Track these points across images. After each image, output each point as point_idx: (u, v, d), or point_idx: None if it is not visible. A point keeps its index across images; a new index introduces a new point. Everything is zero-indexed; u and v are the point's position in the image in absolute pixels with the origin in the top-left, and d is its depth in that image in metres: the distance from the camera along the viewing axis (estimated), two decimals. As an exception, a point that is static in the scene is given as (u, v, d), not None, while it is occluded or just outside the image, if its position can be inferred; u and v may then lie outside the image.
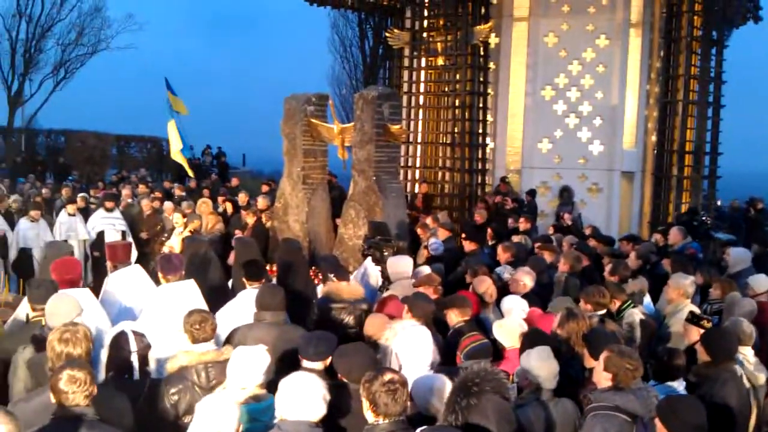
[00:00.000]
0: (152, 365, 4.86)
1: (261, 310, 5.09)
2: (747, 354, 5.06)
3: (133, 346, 4.56)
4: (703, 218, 13.49)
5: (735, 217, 15.03)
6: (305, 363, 4.23)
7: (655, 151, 15.55)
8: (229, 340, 4.99)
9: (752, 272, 7.77)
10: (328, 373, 4.22)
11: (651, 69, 15.73)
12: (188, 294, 5.63)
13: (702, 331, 5.29)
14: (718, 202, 17.68)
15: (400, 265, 6.95)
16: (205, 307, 5.61)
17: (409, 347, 4.36)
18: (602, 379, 4.03)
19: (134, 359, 4.58)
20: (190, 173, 16.47)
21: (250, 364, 3.87)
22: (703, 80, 15.81)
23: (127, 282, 6.22)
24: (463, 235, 9.49)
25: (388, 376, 3.36)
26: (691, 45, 15.31)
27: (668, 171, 15.34)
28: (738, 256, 8.21)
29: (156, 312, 5.44)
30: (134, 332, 4.54)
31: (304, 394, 3.53)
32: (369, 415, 3.38)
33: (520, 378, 4.38)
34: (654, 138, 15.65)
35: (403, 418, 3.36)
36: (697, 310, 6.10)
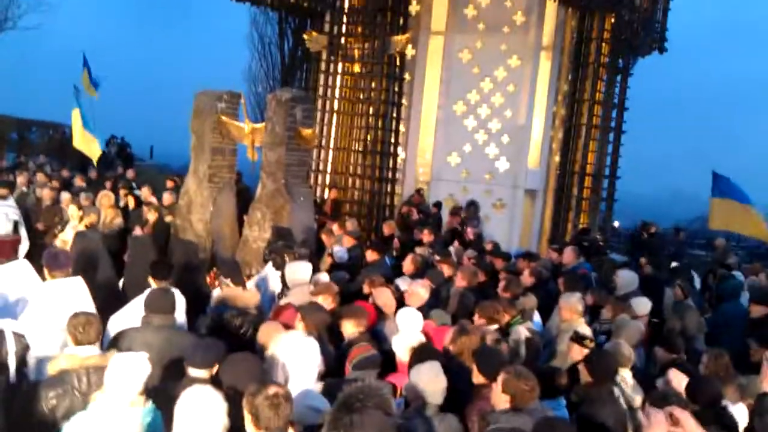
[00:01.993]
0: (31, 366, 4.66)
1: (150, 312, 4.95)
2: (626, 376, 5.31)
3: (11, 346, 4.35)
4: (596, 239, 14.05)
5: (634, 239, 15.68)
6: (190, 371, 4.15)
7: (558, 172, 16.11)
8: (115, 343, 4.82)
9: (638, 295, 8.16)
10: (214, 383, 4.15)
11: (559, 92, 16.30)
12: (74, 292, 5.42)
13: (584, 350, 5.53)
14: (616, 224, 18.48)
15: (299, 272, 6.92)
16: (91, 306, 5.43)
17: (295, 359, 4.34)
18: (500, 401, 4.14)
19: (11, 360, 4.37)
20: (94, 160, 15.62)
21: (128, 372, 3.75)
22: (607, 106, 16.50)
23: (11, 278, 5.92)
24: (367, 244, 9.55)
25: (272, 390, 3.33)
26: (597, 71, 15.96)
27: (569, 191, 15.93)
28: (626, 279, 8.59)
29: (39, 310, 5.21)
30: (13, 332, 4.32)
31: (204, 413, 3.41)
32: (250, 429, 3.34)
33: (407, 392, 4.44)
34: (557, 158, 16.21)
35: (285, 432, 3.33)
36: (587, 330, 6.35)
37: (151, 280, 6.03)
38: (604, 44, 15.96)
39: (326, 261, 9.54)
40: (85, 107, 14.38)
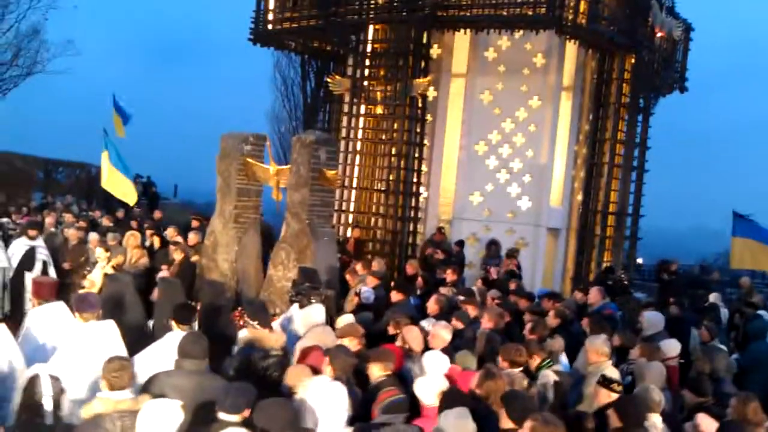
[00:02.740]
0: (65, 410, 4.73)
1: (182, 357, 5.00)
2: (655, 421, 5.25)
3: (48, 389, 4.43)
4: (621, 277, 13.95)
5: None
6: (221, 415, 4.19)
7: (580, 210, 16.11)
8: (147, 387, 4.88)
9: (665, 336, 8.10)
10: (248, 426, 4.20)
11: (580, 131, 16.39)
12: (106, 335, 5.51)
13: (611, 394, 5.49)
14: (639, 260, 18.33)
15: (313, 314, 6.99)
16: (123, 349, 5.52)
17: (323, 404, 4.38)
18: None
19: (47, 403, 4.45)
20: (130, 203, 15.68)
21: (161, 419, 3.81)
22: (629, 145, 16.53)
23: (49, 319, 6.04)
24: (392, 285, 9.57)
25: None
26: (619, 111, 16.05)
27: (592, 230, 15.91)
28: (652, 320, 8.53)
29: (72, 353, 5.30)
30: (49, 375, 4.41)
31: None
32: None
33: None
34: (580, 197, 16.23)
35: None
36: (614, 373, 6.30)
37: (173, 324, 6.08)
38: (624, 84, 16.08)
39: (352, 301, 9.54)
40: (116, 150, 14.64)
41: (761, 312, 10.82)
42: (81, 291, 7.01)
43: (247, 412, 4.23)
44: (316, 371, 5.29)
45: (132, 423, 4.08)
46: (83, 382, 4.97)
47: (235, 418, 4.21)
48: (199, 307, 7.90)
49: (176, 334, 5.70)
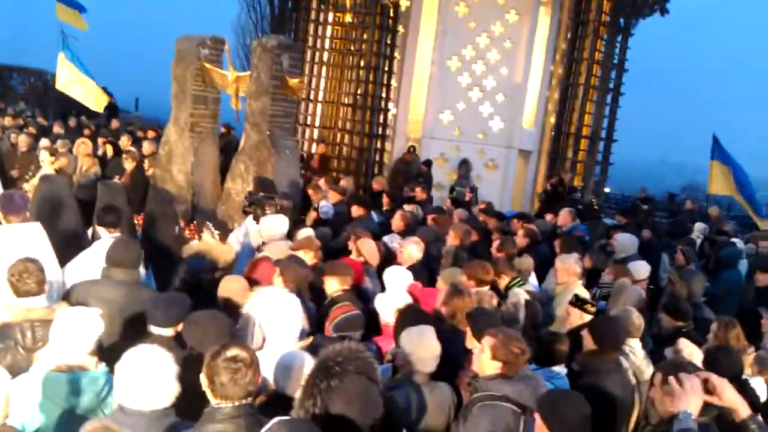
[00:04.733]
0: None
1: (111, 266, 4.46)
2: (635, 347, 4.90)
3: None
4: (591, 201, 13.68)
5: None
6: (153, 329, 3.72)
7: (553, 133, 15.67)
8: (67, 297, 4.34)
9: (637, 259, 7.79)
10: (179, 342, 3.72)
11: (557, 50, 15.78)
12: (31, 239, 4.92)
13: (584, 315, 5.14)
14: (606, 189, 18.10)
15: (274, 225, 6.45)
16: (50, 254, 4.96)
17: (275, 317, 3.89)
18: (487, 366, 3.69)
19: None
20: (98, 105, 14.46)
21: (77, 328, 3.29)
22: (606, 66, 16.00)
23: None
24: (352, 200, 9.13)
25: (232, 352, 2.87)
26: (598, 29, 15.47)
27: (563, 153, 15.52)
28: (625, 242, 8.22)
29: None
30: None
31: (147, 376, 2.90)
32: (209, 395, 2.89)
33: (396, 357, 4.02)
34: (553, 119, 15.75)
35: (249, 401, 2.89)
36: (585, 293, 5.96)
37: (101, 230, 5.49)
38: (605, 2, 15.41)
39: (311, 216, 9.14)
40: (77, 54, 13.60)
41: (734, 240, 10.61)
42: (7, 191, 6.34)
43: (179, 327, 3.75)
44: (257, 284, 4.80)
45: (45, 333, 3.55)
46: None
47: (168, 331, 3.73)
48: (142, 218, 7.38)
49: (105, 241, 5.15)
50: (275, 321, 3.89)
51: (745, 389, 3.89)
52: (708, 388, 2.87)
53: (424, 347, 3.83)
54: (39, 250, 4.69)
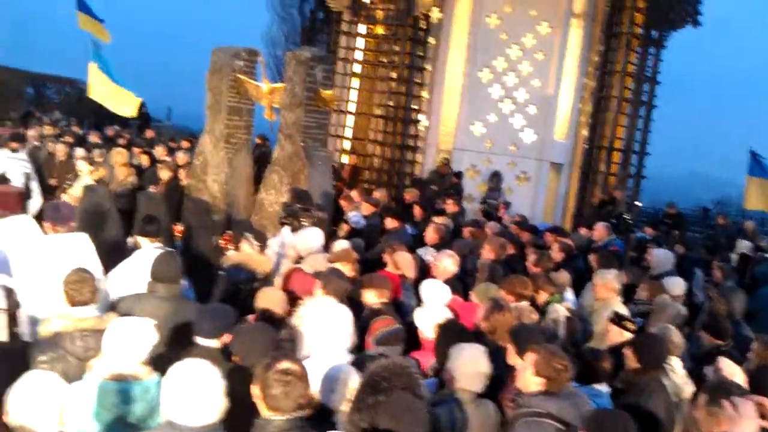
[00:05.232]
0: (25, 325, 4.28)
1: (155, 281, 4.52)
2: (674, 365, 4.85)
3: (1, 302, 3.95)
4: (625, 216, 13.55)
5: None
6: (198, 340, 3.77)
7: (585, 146, 15.57)
8: (114, 309, 4.41)
9: (673, 275, 7.70)
10: (224, 353, 3.76)
11: (589, 62, 15.67)
12: (78, 248, 5.02)
13: (623, 332, 5.09)
14: (638, 203, 17.89)
15: (311, 237, 6.49)
16: (97, 264, 5.05)
17: (326, 329, 3.90)
18: (530, 382, 3.68)
19: (1, 318, 3.97)
20: (130, 112, 14.65)
21: (130, 338, 3.35)
22: (639, 78, 15.88)
23: (13, 232, 5.52)
24: (386, 212, 9.15)
25: (283, 365, 2.89)
26: (630, 42, 15.34)
27: (596, 166, 15.41)
28: (661, 258, 8.13)
29: (37, 267, 4.82)
30: (3, 287, 3.92)
31: (196, 392, 2.87)
32: (261, 407, 2.92)
33: (444, 373, 4.01)
34: (585, 132, 15.64)
35: (300, 414, 2.91)
36: (624, 310, 5.91)
37: (140, 240, 5.57)
38: (637, 13, 15.30)
39: (343, 227, 9.17)
40: (107, 63, 13.84)
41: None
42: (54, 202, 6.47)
43: (226, 337, 3.79)
44: (295, 295, 4.84)
45: (96, 343, 3.61)
46: (47, 299, 4.49)
47: (214, 343, 3.78)
48: (181, 228, 7.47)
49: (146, 250, 5.23)
50: (327, 332, 3.91)
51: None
52: (763, 413, 2.84)
53: (474, 366, 3.82)
54: (86, 260, 4.78)
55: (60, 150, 12.33)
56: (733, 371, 4.50)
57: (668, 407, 4.24)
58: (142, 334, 3.38)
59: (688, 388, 4.67)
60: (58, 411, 2.89)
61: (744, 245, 11.51)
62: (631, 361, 4.40)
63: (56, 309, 3.94)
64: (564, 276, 6.78)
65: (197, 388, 2.85)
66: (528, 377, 3.68)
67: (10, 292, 3.83)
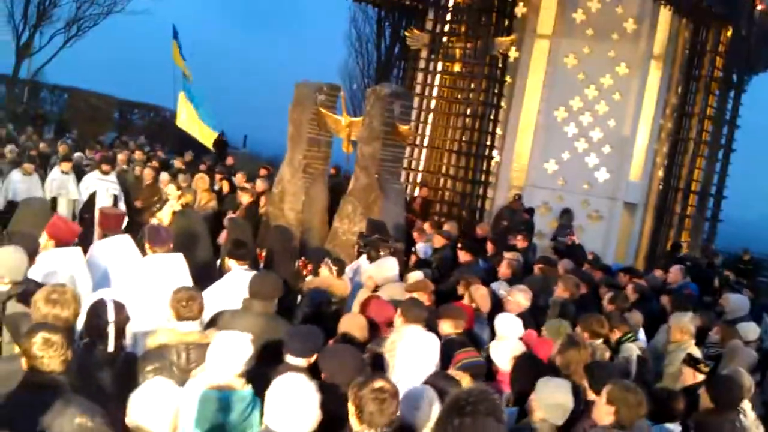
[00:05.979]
0: (129, 339, 4.61)
1: (251, 297, 4.83)
2: (746, 408, 4.86)
3: (111, 315, 4.28)
4: (697, 259, 13.32)
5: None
6: (289, 358, 4.01)
7: (661, 187, 15.40)
8: (212, 324, 4.73)
9: (748, 320, 7.62)
10: (311, 372, 4.00)
11: (667, 104, 15.58)
12: (175, 268, 5.40)
13: (697, 374, 5.11)
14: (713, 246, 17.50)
15: (387, 267, 6.73)
16: (191, 283, 5.39)
17: (416, 353, 4.11)
18: (603, 414, 3.79)
19: (110, 330, 4.31)
20: (208, 143, 15.53)
21: (231, 351, 3.63)
22: (717, 122, 15.66)
23: (115, 251, 5.95)
24: (459, 245, 9.30)
25: (378, 384, 3.12)
26: (709, 85, 15.20)
27: (671, 207, 15.21)
28: (737, 303, 8.04)
29: (139, 284, 5.20)
30: (114, 301, 4.27)
31: (296, 403, 3.15)
32: (353, 423, 3.15)
33: (529, 402, 4.14)
34: (661, 173, 15.50)
35: (390, 430, 3.12)
36: (697, 353, 5.92)
37: (230, 263, 5.90)
38: (718, 57, 15.18)
39: (411, 258, 9.37)
40: (195, 95, 14.63)
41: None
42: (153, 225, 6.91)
43: (313, 358, 4.03)
44: (372, 322, 5.06)
45: (198, 355, 3.93)
46: (150, 312, 4.84)
47: (303, 362, 4.02)
48: (264, 253, 7.81)
49: (235, 273, 5.56)
50: (416, 357, 4.11)
51: None
52: None
53: (557, 398, 3.94)
54: (181, 279, 5.12)
55: (147, 174, 12.91)
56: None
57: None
58: (240, 348, 3.66)
59: (758, 430, 4.66)
60: (173, 415, 3.16)
61: None
62: (705, 401, 4.44)
63: (162, 323, 4.27)
64: (637, 316, 6.81)
65: (297, 399, 3.11)
66: (602, 410, 3.79)
67: (121, 307, 4.17)
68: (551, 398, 3.94)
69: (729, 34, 15.25)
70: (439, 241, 9.81)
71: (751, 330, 7.13)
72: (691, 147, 15.15)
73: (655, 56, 15.15)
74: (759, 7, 15.86)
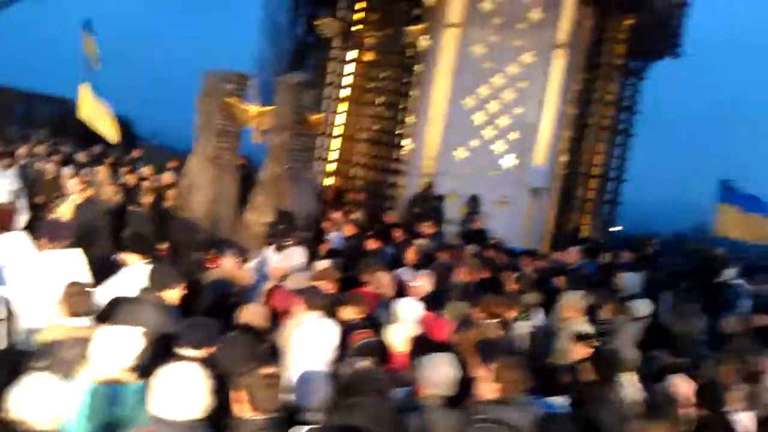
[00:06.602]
0: (21, 335, 4.53)
1: (147, 290, 4.80)
2: (629, 380, 5.17)
3: (3, 313, 4.21)
4: (598, 241, 13.93)
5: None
6: (183, 351, 4.03)
7: (564, 171, 15.97)
8: (107, 317, 4.68)
9: (641, 297, 8.03)
10: (209, 363, 4.03)
11: (570, 91, 16.12)
12: (72, 264, 5.29)
13: (587, 350, 5.40)
14: (619, 228, 18.31)
15: (294, 256, 6.80)
16: (89, 278, 5.31)
17: (312, 339, 4.20)
18: (487, 390, 3.99)
19: (2, 328, 4.23)
20: (112, 137, 15.14)
21: (119, 345, 3.63)
22: (618, 108, 16.34)
23: (7, 248, 5.78)
24: (368, 233, 9.44)
25: (268, 370, 3.21)
26: (610, 72, 15.81)
27: (573, 191, 15.79)
28: (629, 281, 8.47)
29: (33, 280, 5.08)
30: (2, 299, 4.18)
31: (182, 389, 3.21)
32: (243, 409, 3.21)
33: (415, 382, 4.30)
34: (564, 158, 16.06)
35: (279, 414, 3.21)
36: (587, 329, 6.23)
37: (128, 255, 5.83)
38: (618, 45, 15.80)
39: (323, 247, 9.44)
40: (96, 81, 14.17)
41: (738, 282, 10.81)
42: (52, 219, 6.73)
43: (209, 349, 4.07)
44: (276, 311, 5.13)
45: (89, 351, 3.89)
46: (44, 309, 4.75)
47: (197, 353, 4.04)
48: (167, 246, 7.74)
49: (134, 267, 5.52)
50: (312, 344, 4.19)
51: (728, 422, 4.15)
52: None
53: (440, 372, 4.11)
54: (79, 275, 5.04)
55: (49, 168, 12.50)
56: (687, 387, 4.83)
57: (620, 418, 4.54)
58: (129, 341, 3.67)
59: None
60: (57, 410, 3.15)
61: (729, 274, 11.84)
62: (587, 373, 4.71)
63: (52, 319, 4.20)
64: (533, 296, 7.11)
65: (183, 385, 3.16)
66: (486, 386, 3.99)
67: (8, 304, 4.08)
68: (435, 373, 4.11)
69: (629, 22, 15.88)
70: (349, 230, 9.92)
71: (642, 306, 7.53)
72: (593, 132, 15.76)
73: (560, 44, 15.62)
74: (659, -3, 16.58)
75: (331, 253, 8.83)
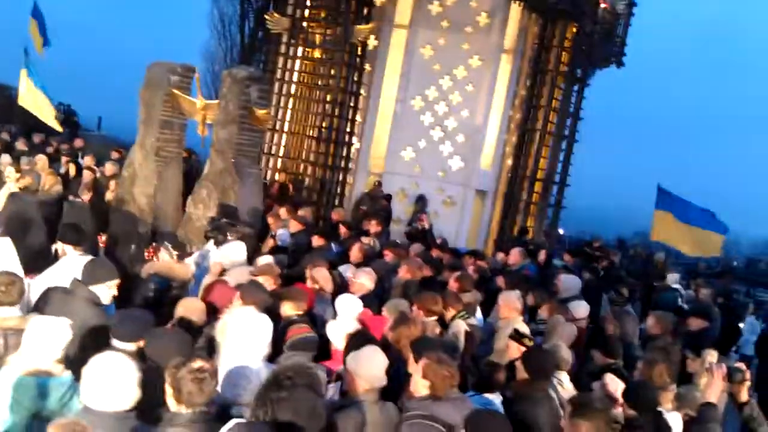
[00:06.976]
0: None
1: (80, 282, 4.70)
2: (563, 379, 5.29)
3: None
4: (542, 243, 14.16)
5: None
6: (116, 343, 3.96)
7: (509, 175, 16.21)
8: (38, 308, 4.57)
9: (579, 299, 8.22)
10: (141, 356, 3.97)
11: (516, 96, 16.39)
12: (1, 253, 5.14)
13: (522, 348, 5.50)
14: (561, 231, 18.68)
15: (235, 251, 6.75)
16: (18, 268, 5.18)
17: (246, 334, 4.16)
18: (420, 387, 4.03)
19: None
20: (51, 123, 14.76)
21: (47, 336, 3.55)
22: (563, 114, 16.65)
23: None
24: (315, 230, 9.43)
25: (197, 364, 3.18)
26: (555, 79, 16.09)
27: (518, 195, 16.04)
28: (568, 283, 8.64)
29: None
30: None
31: (112, 380, 3.19)
32: (171, 403, 3.18)
33: (346, 378, 4.30)
34: (510, 162, 16.31)
35: (207, 409, 3.19)
36: (524, 328, 6.35)
37: (63, 246, 5.70)
38: (563, 52, 16.08)
39: (268, 243, 9.40)
40: (37, 68, 13.82)
41: (675, 286, 11.15)
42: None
43: (141, 343, 4.01)
44: (215, 306, 5.08)
45: (17, 341, 3.80)
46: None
47: (130, 346, 3.98)
48: (105, 238, 7.59)
49: (70, 258, 5.40)
50: (246, 339, 4.15)
51: (658, 421, 4.28)
52: None
53: (369, 365, 4.13)
54: (8, 265, 4.90)
55: (-15, 159, 12.14)
56: (616, 386, 4.97)
57: (553, 416, 4.64)
58: (57, 333, 3.59)
59: (574, 401, 5.09)
60: None
61: (673, 278, 12.22)
62: (521, 372, 4.80)
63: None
64: (472, 295, 7.21)
65: (113, 376, 3.12)
66: (418, 382, 4.03)
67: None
68: (364, 365, 4.13)
69: (574, 30, 16.19)
70: (294, 227, 9.87)
71: (581, 308, 7.71)
72: (538, 137, 16.02)
73: (506, 50, 15.89)
74: (602, 6, 16.94)
75: (277, 250, 8.80)
